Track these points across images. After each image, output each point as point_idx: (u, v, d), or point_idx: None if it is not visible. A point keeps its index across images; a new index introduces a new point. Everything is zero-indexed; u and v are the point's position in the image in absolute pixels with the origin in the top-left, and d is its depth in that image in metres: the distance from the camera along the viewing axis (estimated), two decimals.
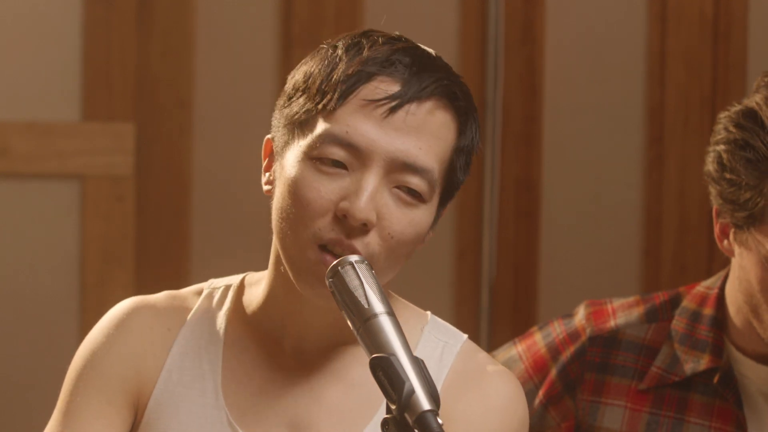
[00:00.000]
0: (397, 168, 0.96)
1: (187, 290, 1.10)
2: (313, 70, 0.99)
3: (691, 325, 1.36)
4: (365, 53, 0.97)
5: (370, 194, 0.94)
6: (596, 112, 2.41)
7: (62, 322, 2.50)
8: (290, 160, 0.98)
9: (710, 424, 1.32)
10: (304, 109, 0.98)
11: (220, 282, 1.08)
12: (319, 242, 0.95)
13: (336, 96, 0.96)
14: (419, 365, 0.83)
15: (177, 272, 2.31)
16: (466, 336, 1.06)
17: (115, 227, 2.30)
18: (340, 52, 0.98)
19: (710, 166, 1.30)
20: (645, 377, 1.35)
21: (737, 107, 1.30)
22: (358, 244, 0.95)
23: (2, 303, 2.50)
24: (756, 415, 1.33)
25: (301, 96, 0.99)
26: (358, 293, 0.88)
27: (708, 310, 1.36)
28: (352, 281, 0.89)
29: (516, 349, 1.45)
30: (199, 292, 1.08)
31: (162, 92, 2.39)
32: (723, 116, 1.32)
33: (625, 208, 2.37)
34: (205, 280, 1.15)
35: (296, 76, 1.00)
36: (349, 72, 0.96)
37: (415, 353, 0.99)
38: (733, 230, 1.28)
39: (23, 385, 2.39)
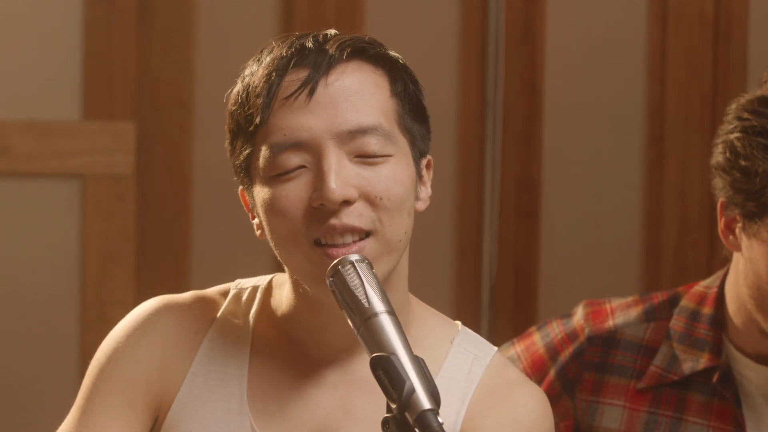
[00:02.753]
0: (347, 138, 0.96)
1: (214, 291, 1.08)
2: (234, 107, 1.01)
3: (690, 324, 1.36)
4: (267, 60, 0.99)
5: (335, 172, 0.94)
6: (596, 111, 2.41)
7: (62, 322, 2.50)
8: (258, 195, 0.98)
9: (709, 423, 1.32)
10: (245, 147, 0.99)
11: (247, 282, 1.07)
12: (315, 241, 0.95)
13: (260, 111, 0.97)
14: (419, 364, 0.83)
15: (177, 271, 2.31)
16: (495, 349, 1.06)
17: (116, 226, 2.30)
18: (247, 72, 1.00)
19: (720, 156, 1.29)
20: (644, 377, 1.35)
21: (749, 97, 1.29)
22: (353, 220, 0.95)
23: (2, 302, 2.50)
24: (755, 414, 1.33)
25: (238, 138, 1.00)
26: (359, 292, 0.88)
27: (707, 309, 1.36)
28: (352, 280, 0.88)
29: (514, 349, 1.45)
30: (225, 293, 1.07)
31: (162, 91, 2.39)
32: (734, 106, 1.31)
33: (625, 208, 2.37)
34: (205, 279, 1.15)
35: (226, 125, 1.02)
36: (261, 84, 0.98)
37: (444, 365, 1.00)
38: (740, 224, 1.28)
39: (23, 384, 2.39)
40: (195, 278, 2.29)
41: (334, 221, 0.95)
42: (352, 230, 0.96)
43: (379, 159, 0.98)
